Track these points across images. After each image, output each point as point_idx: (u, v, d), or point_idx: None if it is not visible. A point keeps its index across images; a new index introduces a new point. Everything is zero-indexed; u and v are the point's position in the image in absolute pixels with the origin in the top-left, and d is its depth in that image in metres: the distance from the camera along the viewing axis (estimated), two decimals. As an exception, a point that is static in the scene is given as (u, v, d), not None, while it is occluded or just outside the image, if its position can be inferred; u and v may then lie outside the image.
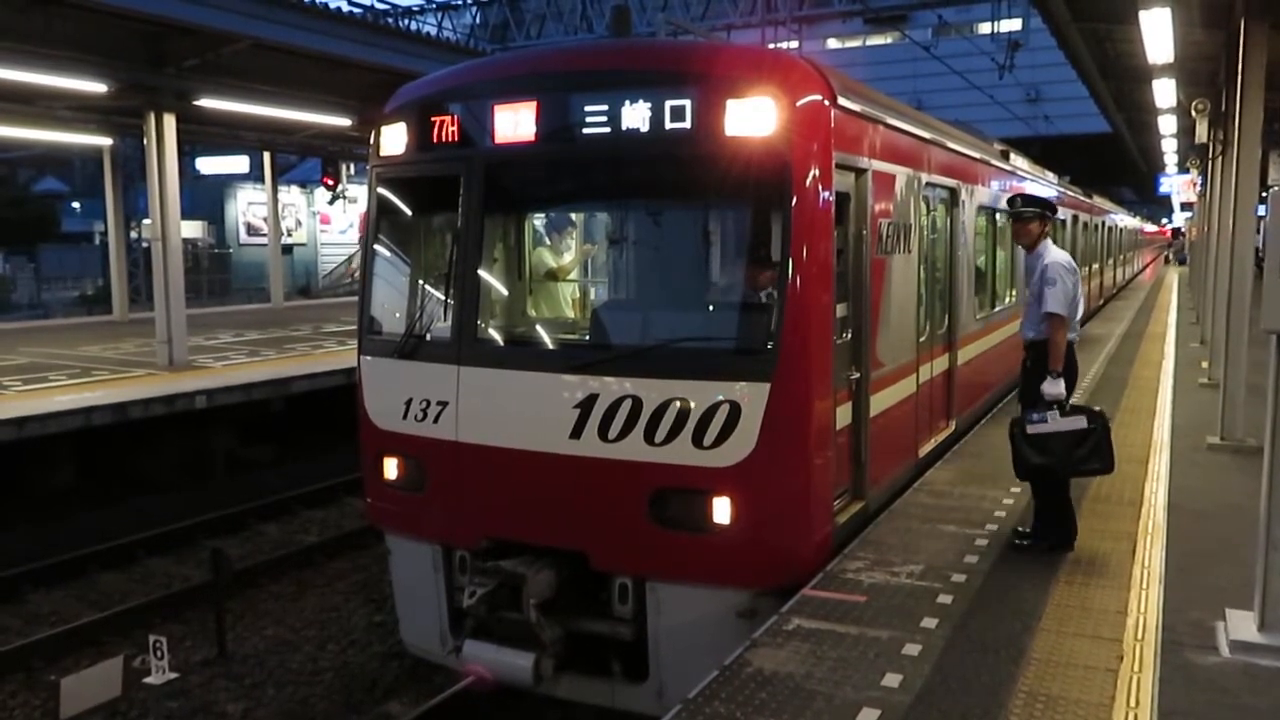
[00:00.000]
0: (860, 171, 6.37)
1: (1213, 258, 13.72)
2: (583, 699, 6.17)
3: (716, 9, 32.96)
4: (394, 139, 6.56)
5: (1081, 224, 19.86)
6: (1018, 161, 13.00)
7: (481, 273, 6.41)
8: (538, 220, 7.53)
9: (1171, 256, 66.10)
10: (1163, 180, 35.21)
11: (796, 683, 4.40)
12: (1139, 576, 5.71)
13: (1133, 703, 4.21)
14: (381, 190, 6.87)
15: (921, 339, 7.88)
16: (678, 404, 5.52)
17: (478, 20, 41.94)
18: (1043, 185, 15.14)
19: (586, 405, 5.71)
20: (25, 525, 11.25)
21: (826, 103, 5.77)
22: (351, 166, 24.12)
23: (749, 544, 5.50)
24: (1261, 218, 9.82)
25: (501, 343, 6.59)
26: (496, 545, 6.06)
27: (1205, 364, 13.43)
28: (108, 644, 8.46)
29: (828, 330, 5.80)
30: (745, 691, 4.33)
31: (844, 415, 6.23)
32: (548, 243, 7.57)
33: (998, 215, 11.21)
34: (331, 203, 27.18)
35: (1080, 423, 5.89)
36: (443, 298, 6.56)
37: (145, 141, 14.30)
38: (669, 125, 5.58)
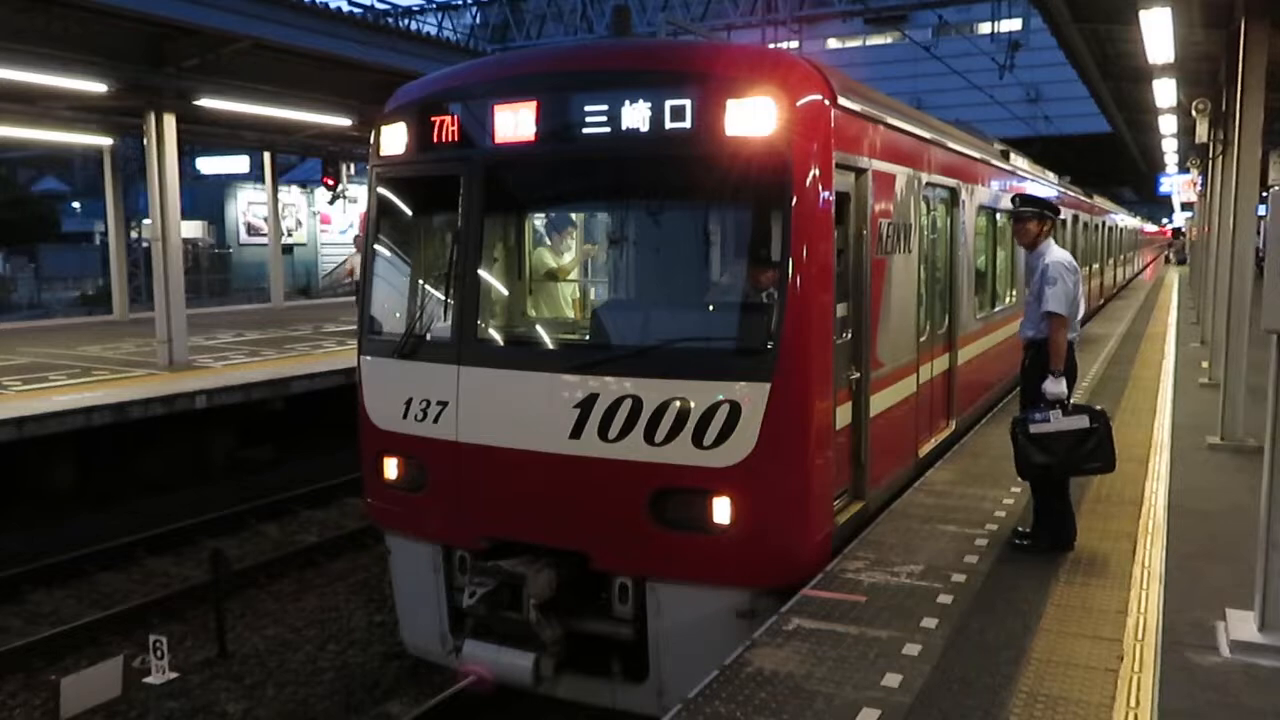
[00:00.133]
0: (860, 171, 6.37)
1: (1213, 258, 13.72)
2: (583, 699, 6.17)
3: (717, 9, 32.96)
4: (394, 139, 6.56)
5: (1082, 224, 19.85)
6: (1018, 161, 13.00)
7: (481, 273, 6.41)
8: (538, 220, 7.53)
9: (1172, 256, 66.11)
10: (1163, 180, 35.19)
11: (796, 683, 4.40)
12: (1139, 576, 5.71)
13: (1133, 703, 4.21)
14: (381, 190, 6.87)
15: (922, 339, 7.88)
16: (678, 404, 5.52)
17: (478, 20, 41.95)
18: (1043, 185, 15.14)
19: (587, 405, 5.71)
20: (25, 525, 11.26)
21: (826, 102, 5.77)
22: (352, 166, 24.07)
23: (749, 544, 5.50)
24: (1262, 218, 9.85)
25: (502, 343, 6.59)
26: (497, 545, 6.06)
27: (1205, 364, 13.43)
28: (108, 644, 8.46)
29: (828, 330, 5.80)
30: (745, 691, 4.33)
31: (844, 415, 6.23)
32: (548, 243, 7.56)
33: (998, 215, 11.22)
34: (332, 203, 27.16)
35: (1082, 422, 5.89)
36: (443, 298, 6.56)
37: (145, 141, 14.30)
38: (669, 125, 5.58)
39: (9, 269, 38.25)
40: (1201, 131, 13.69)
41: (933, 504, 7.15)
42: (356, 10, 22.79)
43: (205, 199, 39.16)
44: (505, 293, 7.01)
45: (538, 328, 6.94)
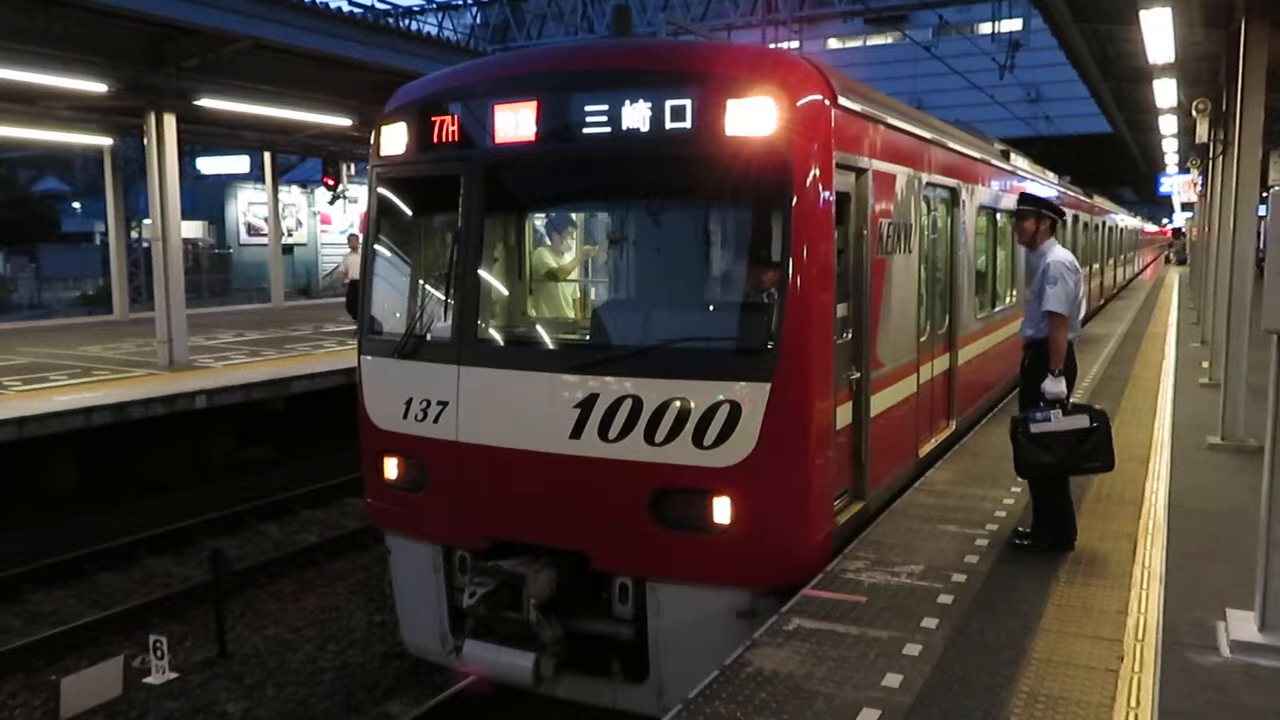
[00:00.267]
0: (861, 171, 6.36)
1: (1213, 258, 13.71)
2: (583, 699, 6.17)
3: (717, 9, 32.96)
4: (394, 139, 6.55)
5: (1082, 224, 19.85)
6: (1018, 161, 13.00)
7: (482, 273, 6.40)
8: (538, 220, 7.52)
9: (1172, 256, 66.13)
10: (1163, 180, 35.19)
11: (797, 683, 4.40)
12: (1139, 576, 5.71)
13: (1133, 703, 4.21)
14: (382, 190, 6.86)
15: (922, 339, 7.88)
16: (678, 404, 5.52)
17: (478, 20, 41.96)
18: (1043, 185, 15.14)
19: (587, 405, 5.71)
20: (25, 525, 11.26)
21: (827, 102, 5.77)
22: (352, 166, 24.07)
23: (749, 544, 5.50)
24: (1262, 218, 9.84)
25: (502, 343, 6.59)
26: (497, 545, 6.06)
27: (1206, 364, 13.43)
28: (108, 644, 8.47)
29: (828, 330, 5.80)
30: (745, 692, 4.33)
31: (844, 415, 6.23)
32: (548, 243, 7.56)
33: (998, 215, 11.22)
34: (332, 203, 27.16)
35: (1082, 421, 5.89)
36: (443, 298, 6.56)
37: (146, 141, 14.31)
38: (669, 125, 5.57)
39: (9, 269, 38.26)
40: (1202, 132, 13.69)
41: (933, 504, 7.15)
42: (357, 10, 22.81)
43: (205, 199, 39.19)
44: (505, 293, 7.01)
45: (538, 328, 6.94)
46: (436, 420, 6.20)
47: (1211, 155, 15.33)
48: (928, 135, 8.00)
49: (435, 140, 6.32)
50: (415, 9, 39.60)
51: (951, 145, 8.85)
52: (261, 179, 29.07)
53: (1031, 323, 6.28)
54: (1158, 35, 9.56)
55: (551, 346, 6.46)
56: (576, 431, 5.72)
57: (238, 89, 14.65)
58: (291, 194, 38.17)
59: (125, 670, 7.53)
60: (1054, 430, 5.87)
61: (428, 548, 6.48)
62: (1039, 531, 6.23)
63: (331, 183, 23.72)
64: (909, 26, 38.68)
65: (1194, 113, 13.26)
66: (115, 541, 10.66)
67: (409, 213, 7.05)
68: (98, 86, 12.93)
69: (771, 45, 24.90)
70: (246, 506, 12.03)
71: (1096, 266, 22.94)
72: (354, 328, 18.29)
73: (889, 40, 46.67)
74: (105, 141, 20.78)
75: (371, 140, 6.78)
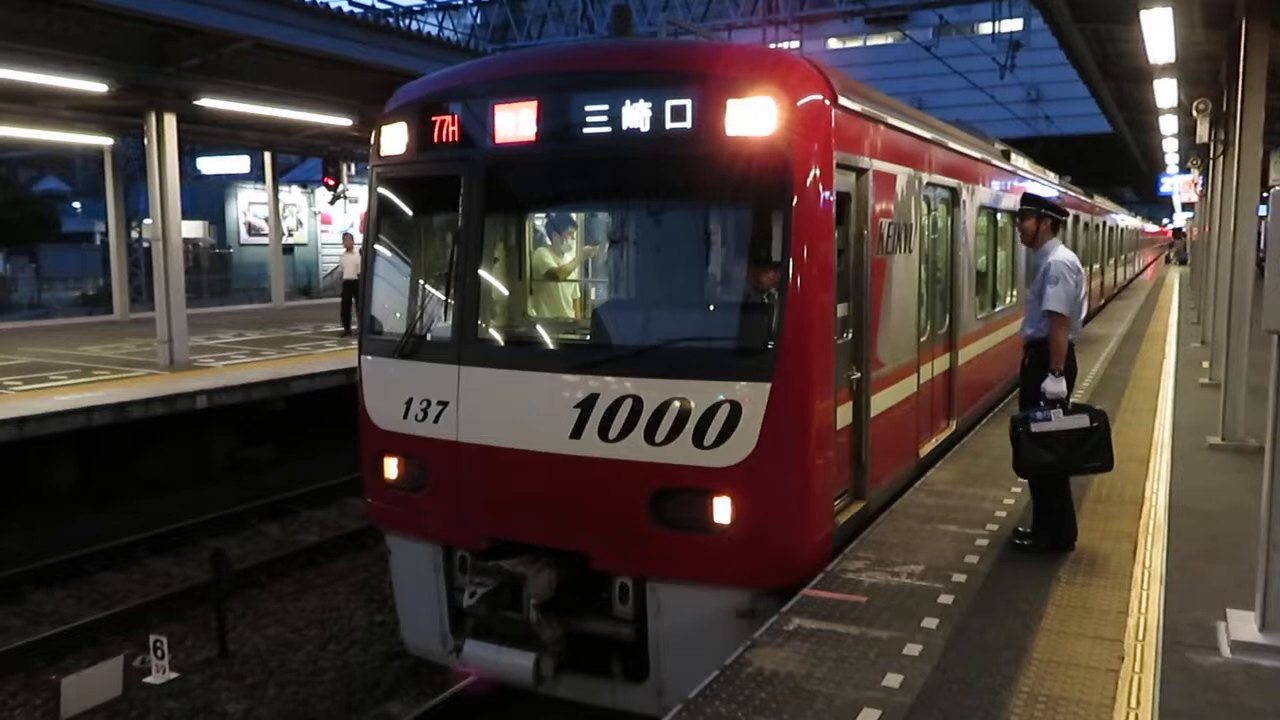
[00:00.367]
0: (861, 171, 6.36)
1: (1214, 258, 13.71)
2: (583, 699, 6.17)
3: (717, 9, 32.97)
4: (394, 139, 6.55)
5: (1083, 224, 19.85)
6: (1018, 161, 12.99)
7: (482, 273, 6.40)
8: (538, 220, 7.52)
9: (1173, 256, 66.13)
10: (1164, 180, 35.17)
11: (797, 683, 4.39)
12: (1140, 576, 5.71)
13: (1134, 703, 4.21)
14: (382, 190, 6.86)
15: (922, 339, 7.88)
16: (678, 404, 5.52)
17: (478, 20, 41.97)
18: (1044, 185, 15.13)
19: (587, 405, 5.71)
20: (26, 525, 11.26)
21: (827, 102, 5.76)
22: (353, 166, 24.08)
23: (749, 544, 5.50)
24: (1262, 218, 9.84)
25: (502, 343, 6.58)
26: (497, 545, 6.06)
27: (1206, 364, 13.42)
28: (108, 644, 8.47)
29: (828, 330, 5.79)
30: (745, 692, 4.33)
31: (844, 415, 6.22)
32: (548, 243, 7.56)
33: (999, 215, 11.22)
34: (332, 203, 27.13)
35: (1082, 421, 5.89)
36: (443, 298, 6.55)
37: (146, 141, 14.31)
38: (670, 125, 5.57)
39: (10, 269, 38.27)
40: (1202, 132, 13.69)
41: (933, 504, 7.15)
42: (357, 10, 22.81)
43: (206, 199, 39.19)
44: (506, 293, 7.01)
45: (538, 328, 6.93)
46: (437, 420, 6.20)
47: (1212, 155, 15.33)
48: (928, 135, 8.00)
49: (435, 140, 6.32)
50: (415, 9, 39.63)
51: (952, 145, 8.85)
52: (262, 179, 29.08)
53: (1032, 322, 6.28)
54: (1158, 35, 9.56)
55: (552, 346, 6.46)
56: (577, 431, 5.72)
57: (238, 89, 14.65)
58: (292, 194, 38.17)
59: (125, 670, 7.53)
60: (1054, 430, 5.87)
61: (428, 548, 6.48)
62: (1039, 531, 6.22)
63: (332, 183, 23.72)
64: (909, 26, 38.68)
65: (1194, 113, 13.26)
66: (115, 541, 10.66)
67: (409, 213, 7.04)
68: (98, 86, 12.94)
69: (772, 45, 24.91)
70: (247, 506, 12.03)
71: (1097, 267, 22.94)
72: (341, 330, 18.27)
73: (889, 40, 46.65)
74: (106, 141, 20.79)
75: (372, 140, 6.78)
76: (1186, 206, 41.04)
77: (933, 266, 8.40)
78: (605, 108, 5.73)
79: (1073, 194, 19.34)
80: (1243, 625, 4.81)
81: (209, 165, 46.78)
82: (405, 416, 6.36)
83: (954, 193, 8.91)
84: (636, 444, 5.58)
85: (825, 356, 5.73)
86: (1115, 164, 42.79)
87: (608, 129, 5.74)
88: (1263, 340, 4.94)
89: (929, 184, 7.92)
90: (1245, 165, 9.29)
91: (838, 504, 6.16)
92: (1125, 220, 34.94)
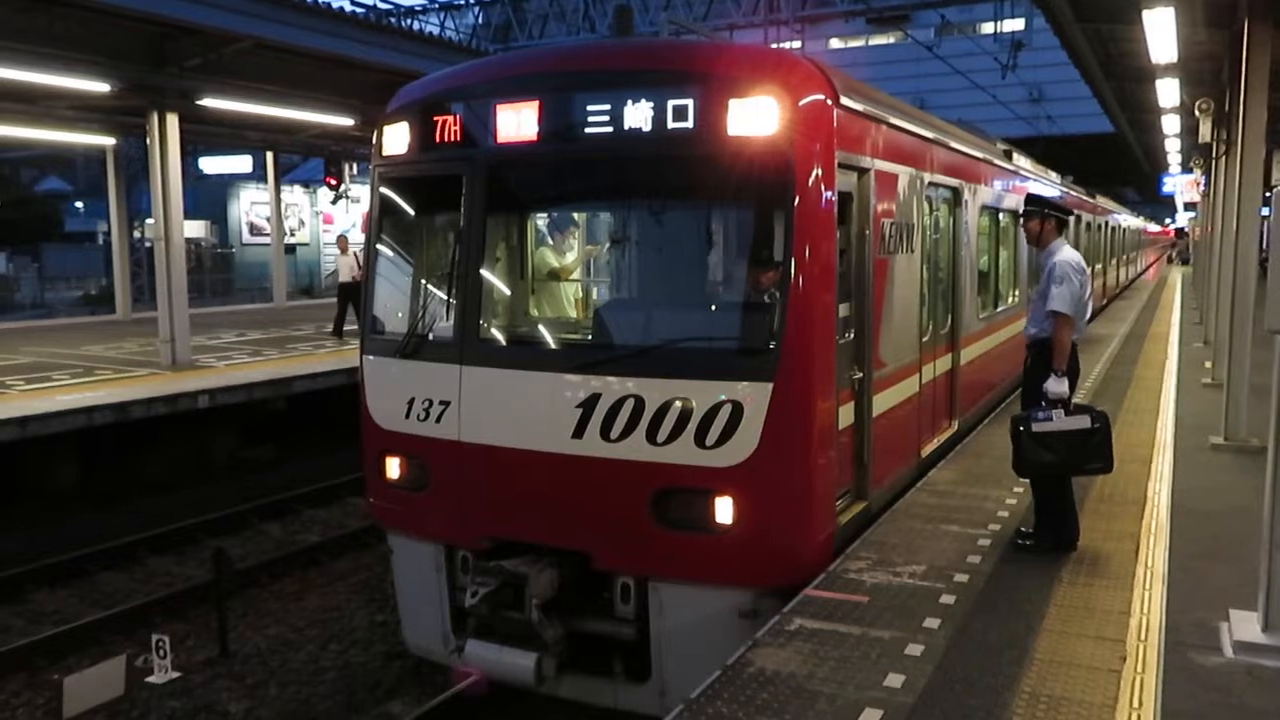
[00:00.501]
0: (863, 171, 6.36)
1: (1216, 258, 13.70)
2: (585, 699, 6.17)
3: (719, 9, 32.99)
4: (396, 139, 6.56)
5: (1085, 224, 19.83)
6: (1020, 161, 12.98)
7: (484, 272, 6.40)
8: (540, 220, 7.52)
9: (1175, 257, 66.07)
10: (1166, 180, 35.16)
11: (799, 683, 4.39)
12: (1142, 577, 5.70)
13: (1136, 704, 4.20)
14: (384, 190, 6.86)
15: (924, 339, 7.87)
16: (680, 404, 5.51)
17: (480, 20, 42.01)
18: (1045, 185, 15.12)
19: (589, 405, 5.71)
20: (28, 524, 11.27)
21: (829, 102, 5.76)
22: (355, 166, 24.11)
23: (751, 544, 5.49)
24: (1265, 217, 9.86)
25: (504, 342, 6.59)
26: (499, 545, 6.06)
27: (1209, 364, 13.40)
28: (110, 643, 8.46)
29: (830, 330, 5.79)
30: (747, 692, 4.33)
31: (846, 415, 6.22)
32: (550, 242, 7.56)
33: (1000, 215, 11.21)
34: (334, 203, 27.19)
35: (1084, 422, 5.88)
36: (445, 297, 6.55)
37: (148, 141, 14.33)
38: (671, 125, 5.57)
39: (12, 269, 38.30)
40: (1204, 131, 13.68)
41: (935, 504, 7.15)
42: (359, 10, 22.79)
43: (208, 199, 39.22)
44: (508, 292, 7.01)
45: (540, 327, 6.93)
46: (439, 420, 6.20)
47: (1214, 155, 15.32)
48: (930, 135, 7.99)
49: (437, 140, 6.32)
50: (417, 9, 39.67)
51: (954, 145, 8.84)
52: (264, 179, 29.09)
53: (1036, 322, 6.27)
54: (1160, 35, 9.54)
55: (554, 346, 6.46)
56: (578, 431, 5.72)
57: (240, 89, 14.66)
58: (294, 194, 38.19)
59: (127, 669, 7.54)
60: (1055, 430, 5.87)
61: (430, 547, 6.49)
62: (1041, 531, 6.22)
63: (334, 182, 23.76)
64: (911, 26, 38.68)
65: (1197, 112, 13.26)
66: (117, 541, 10.66)
67: (411, 212, 7.05)
68: (100, 86, 12.95)
69: (774, 45, 24.90)
70: (248, 506, 12.03)
71: (1099, 266, 22.93)
72: (354, 327, 18.25)
73: (891, 40, 46.63)
74: (108, 141, 20.81)
75: (374, 140, 6.78)
76: (1189, 206, 41.00)
77: (935, 266, 8.39)
78: (607, 107, 5.73)
79: (1074, 194, 19.33)
80: (1245, 625, 4.80)
81: (211, 165, 46.79)
82: (407, 416, 6.36)
83: (956, 193, 8.91)
84: (638, 444, 5.58)
85: (827, 356, 5.73)
86: (1117, 164, 42.77)
87: (609, 129, 5.74)
88: (1265, 340, 4.94)
89: (931, 184, 7.92)
90: (1248, 165, 9.28)
91: (840, 504, 6.16)
92: (1127, 220, 34.92)
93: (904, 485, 7.50)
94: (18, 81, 12.63)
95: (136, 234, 28.45)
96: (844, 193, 6.10)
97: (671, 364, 5.63)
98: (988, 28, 38.37)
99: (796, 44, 31.24)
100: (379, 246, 6.98)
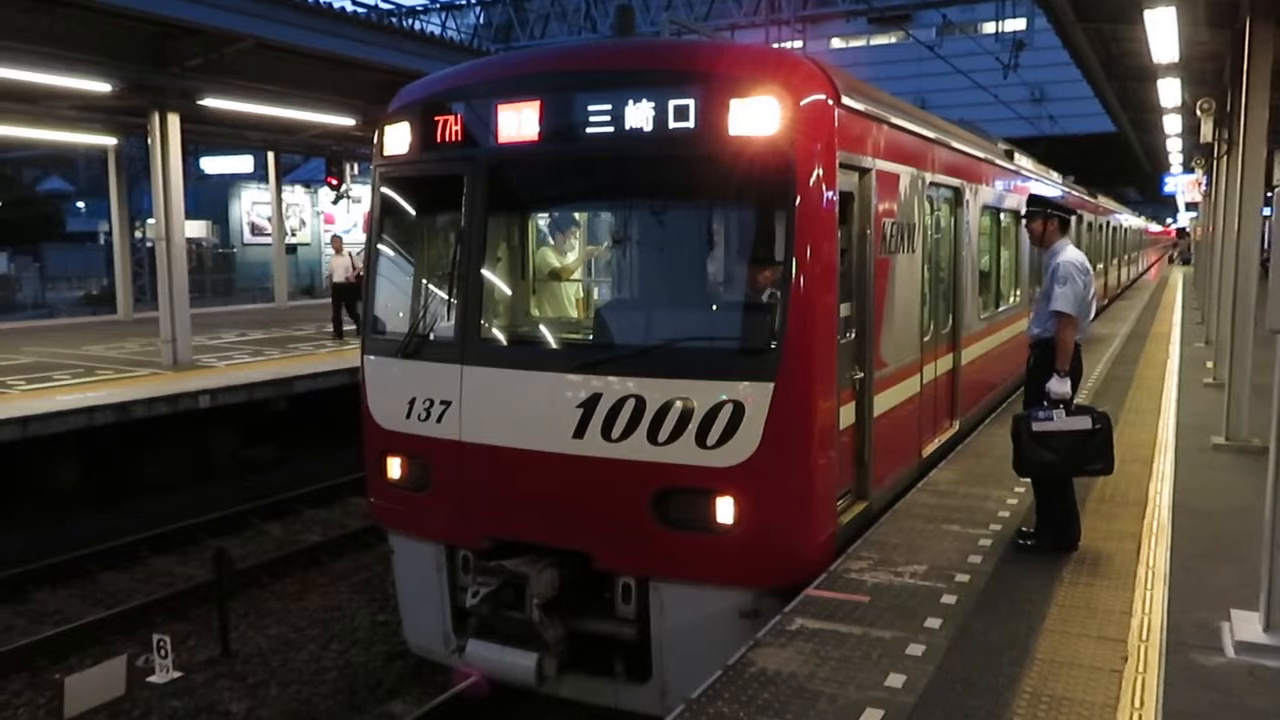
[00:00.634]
0: (864, 171, 6.35)
1: (1218, 257, 13.69)
2: (586, 699, 6.17)
3: (720, 9, 32.99)
4: (397, 139, 6.56)
5: (1086, 224, 19.82)
6: (1022, 161, 12.98)
7: (485, 272, 6.40)
8: (541, 220, 7.52)
9: (1176, 256, 66.04)
10: (1167, 180, 35.14)
11: (800, 683, 4.39)
12: (1143, 577, 5.70)
13: (1137, 703, 4.20)
14: (385, 190, 6.86)
15: (925, 339, 7.87)
16: (681, 404, 5.51)
17: (482, 20, 42.00)
18: (1047, 185, 15.12)
19: (590, 405, 5.71)
20: (29, 524, 11.27)
21: (830, 102, 5.76)
22: (356, 166, 24.11)
23: (752, 544, 5.49)
24: (1267, 218, 9.85)
25: (505, 342, 6.58)
26: (500, 545, 6.06)
27: (1210, 364, 13.39)
28: (111, 643, 8.47)
29: (831, 330, 5.79)
30: (748, 692, 4.33)
31: (847, 415, 6.22)
32: (551, 242, 7.56)
33: (1002, 215, 11.20)
34: (336, 203, 27.17)
35: (1085, 423, 5.87)
36: (446, 297, 6.55)
37: (150, 141, 14.35)
38: (673, 125, 5.57)
39: (14, 269, 38.31)
40: (1206, 131, 13.66)
41: (936, 504, 7.14)
42: (360, 10, 22.78)
43: (209, 199, 39.21)
44: (509, 292, 7.01)
45: (541, 327, 6.93)
46: (440, 420, 6.20)
47: (1216, 155, 15.30)
48: (931, 135, 7.99)
49: (439, 140, 6.32)
50: (419, 9, 39.65)
51: (955, 145, 8.83)
52: (265, 179, 29.10)
53: (1039, 322, 6.26)
54: (1162, 35, 9.54)
55: (555, 346, 6.46)
56: (579, 431, 5.72)
57: (241, 89, 14.67)
58: (295, 194, 38.18)
59: (129, 669, 7.54)
60: (1055, 430, 5.86)
61: (431, 547, 6.48)
62: (1042, 531, 6.21)
63: (335, 182, 23.76)
64: (912, 26, 38.68)
65: (1198, 112, 13.24)
66: (118, 541, 10.67)
67: (412, 212, 7.05)
68: (101, 86, 12.96)
69: (775, 45, 24.90)
70: (249, 506, 12.04)
71: (1100, 266, 22.92)
72: (333, 331, 18.15)
73: (892, 40, 46.59)
74: (109, 141, 20.83)
75: (375, 140, 6.78)
76: (1190, 206, 41.00)
77: (936, 266, 8.39)
78: (608, 107, 5.73)
79: (1076, 194, 19.32)
80: (1246, 626, 4.79)
81: (212, 165, 46.76)
82: (408, 416, 6.36)
83: (957, 192, 8.90)
84: (639, 444, 5.58)
85: (828, 356, 5.73)
86: (1119, 164, 42.73)
87: (610, 129, 5.73)
88: (1267, 340, 4.93)
89: (932, 184, 7.91)
90: (1249, 165, 9.27)
91: (840, 504, 6.16)
92: (1129, 220, 34.91)
93: (905, 485, 7.50)
94: (20, 81, 12.63)
95: (138, 234, 28.45)
96: (845, 193, 6.09)
97: (673, 364, 5.62)
98: (989, 27, 38.37)
99: (798, 44, 31.20)
100: (380, 246, 6.97)
